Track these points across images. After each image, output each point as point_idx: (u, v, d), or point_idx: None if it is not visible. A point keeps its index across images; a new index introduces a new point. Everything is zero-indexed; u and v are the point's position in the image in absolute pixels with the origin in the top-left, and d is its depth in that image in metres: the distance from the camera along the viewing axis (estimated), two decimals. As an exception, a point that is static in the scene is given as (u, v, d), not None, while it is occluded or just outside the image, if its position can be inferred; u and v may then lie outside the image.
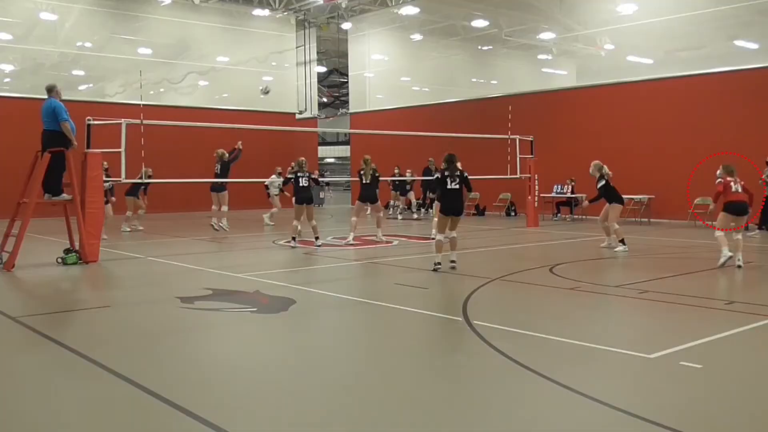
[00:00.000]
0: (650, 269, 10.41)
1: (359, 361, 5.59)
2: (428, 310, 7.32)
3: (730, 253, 9.97)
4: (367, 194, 14.07)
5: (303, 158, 13.44)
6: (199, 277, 9.85)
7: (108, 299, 8.40)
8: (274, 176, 19.17)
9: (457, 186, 10.00)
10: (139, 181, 15.38)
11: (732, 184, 10.44)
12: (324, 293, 8.42)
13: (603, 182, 12.61)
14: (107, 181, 13.93)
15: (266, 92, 15.99)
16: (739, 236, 10.29)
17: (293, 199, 13.24)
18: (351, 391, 4.72)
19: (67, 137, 10.72)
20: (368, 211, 18.58)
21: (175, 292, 8.38)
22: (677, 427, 3.88)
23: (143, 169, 15.47)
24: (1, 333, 6.56)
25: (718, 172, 10.78)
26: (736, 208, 10.37)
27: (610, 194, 12.59)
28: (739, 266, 9.94)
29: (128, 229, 17.01)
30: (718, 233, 10.26)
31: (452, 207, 10.04)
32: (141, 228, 17.19)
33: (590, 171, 12.89)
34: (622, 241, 12.22)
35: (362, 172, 13.98)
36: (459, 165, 10.34)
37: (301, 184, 13.03)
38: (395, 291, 8.74)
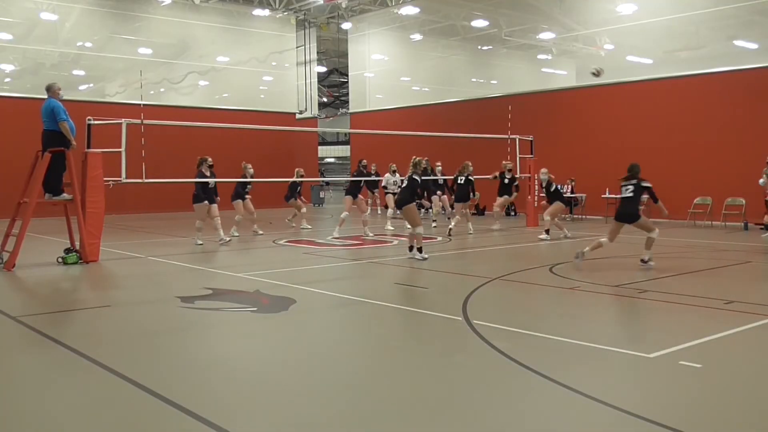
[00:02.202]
0: (650, 269, 10.41)
1: (359, 360, 5.60)
2: (428, 310, 7.33)
3: None
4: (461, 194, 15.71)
5: (418, 158, 11.71)
6: (199, 276, 9.86)
7: (108, 299, 8.41)
8: (387, 174, 19.04)
9: (631, 194, 10.21)
10: (295, 179, 16.37)
11: None
12: (324, 293, 8.43)
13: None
14: (214, 181, 13.70)
15: (597, 74, 15.37)
16: None
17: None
18: (351, 391, 4.72)
19: (66, 137, 10.74)
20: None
21: (175, 291, 8.38)
22: (677, 427, 3.89)
23: (296, 169, 16.52)
24: (1, 332, 6.56)
25: None
26: None
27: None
28: None
29: (304, 226, 17.01)
30: None
31: (622, 213, 10.33)
32: (308, 226, 16.90)
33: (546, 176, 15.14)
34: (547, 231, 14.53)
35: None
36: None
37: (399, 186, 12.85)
38: (395, 291, 8.74)
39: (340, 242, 14.23)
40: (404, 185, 11.53)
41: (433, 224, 17.50)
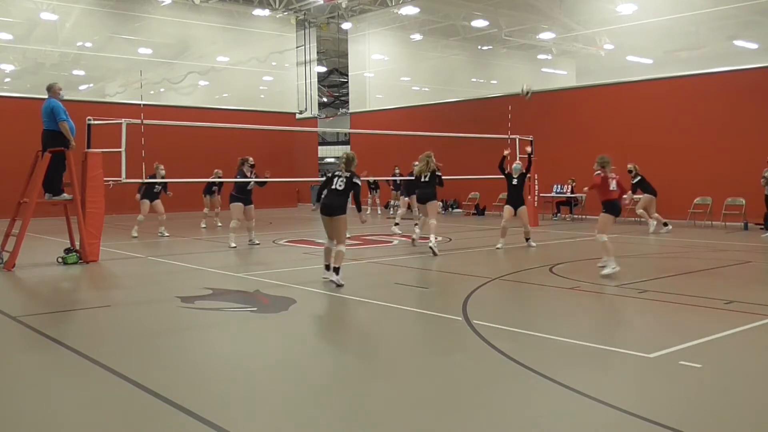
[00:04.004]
0: (650, 269, 10.41)
1: (359, 360, 5.60)
2: (428, 310, 7.32)
3: (618, 267, 9.07)
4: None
5: (350, 153, 9.29)
6: (199, 276, 9.85)
7: (108, 299, 8.40)
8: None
9: None
10: (210, 180, 16.82)
11: (610, 180, 9.28)
12: (324, 293, 8.43)
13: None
14: (253, 181, 13.38)
15: (526, 94, 14.64)
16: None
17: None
18: (351, 391, 4.72)
19: (66, 137, 10.73)
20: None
21: (175, 291, 8.38)
22: (677, 427, 3.89)
23: (215, 171, 17.02)
24: (1, 333, 6.56)
25: (595, 165, 9.63)
26: (616, 206, 9.36)
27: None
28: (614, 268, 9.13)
29: (204, 226, 17.80)
30: (604, 238, 9.15)
31: None
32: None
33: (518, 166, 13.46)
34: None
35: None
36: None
37: (333, 187, 9.03)
38: (395, 291, 8.73)
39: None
40: (341, 188, 8.89)
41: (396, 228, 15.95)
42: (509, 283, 9.16)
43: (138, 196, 15.61)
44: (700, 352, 5.51)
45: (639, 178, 16.38)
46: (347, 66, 32.05)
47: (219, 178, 17.08)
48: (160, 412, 4.25)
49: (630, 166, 16.56)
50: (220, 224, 17.86)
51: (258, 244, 13.57)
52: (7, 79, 24.64)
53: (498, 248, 12.66)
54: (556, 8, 23.88)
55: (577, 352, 5.59)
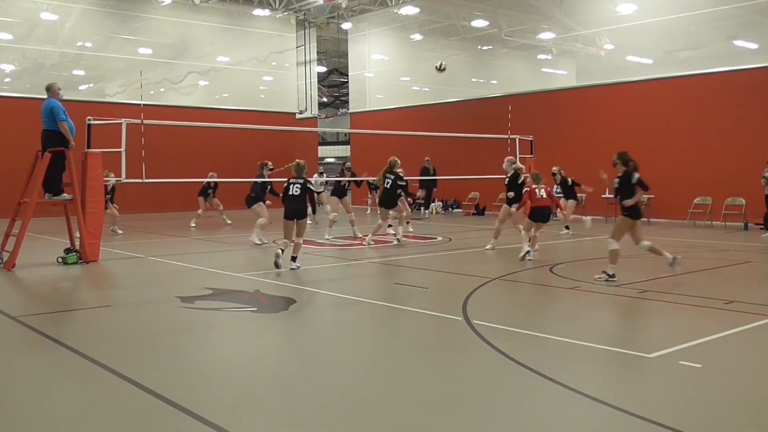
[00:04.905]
0: (650, 269, 10.40)
1: (359, 360, 5.60)
2: (428, 310, 7.32)
3: (529, 248, 11.15)
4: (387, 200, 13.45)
5: (301, 161, 10.87)
6: (199, 276, 9.85)
7: (108, 299, 8.41)
8: (315, 175, 19.32)
9: None
10: (207, 180, 17.16)
11: (537, 190, 11.38)
12: (324, 293, 8.43)
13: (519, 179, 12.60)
14: (271, 182, 14.01)
15: (442, 69, 15.13)
16: (536, 234, 11.73)
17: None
18: (351, 391, 4.72)
19: (65, 137, 10.73)
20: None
21: (175, 291, 8.38)
22: (677, 427, 3.89)
23: (210, 173, 17.39)
24: (1, 333, 6.56)
25: (528, 179, 11.73)
26: (540, 214, 11.34)
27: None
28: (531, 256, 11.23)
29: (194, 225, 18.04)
30: (522, 232, 11.41)
31: None
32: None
33: (504, 167, 12.87)
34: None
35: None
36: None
37: (290, 193, 10.31)
38: (395, 291, 8.74)
39: (340, 242, 14.23)
40: (297, 193, 10.21)
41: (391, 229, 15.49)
42: (509, 283, 9.16)
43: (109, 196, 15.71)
44: (700, 352, 5.51)
45: (562, 181, 16.01)
46: (347, 66, 32.03)
47: (214, 179, 17.43)
48: (160, 412, 4.26)
49: (554, 169, 16.25)
50: (229, 222, 18.10)
51: (259, 243, 13.77)
52: (7, 79, 24.61)
53: (487, 249, 12.62)
54: (556, 8, 23.88)
55: (577, 352, 5.59)
